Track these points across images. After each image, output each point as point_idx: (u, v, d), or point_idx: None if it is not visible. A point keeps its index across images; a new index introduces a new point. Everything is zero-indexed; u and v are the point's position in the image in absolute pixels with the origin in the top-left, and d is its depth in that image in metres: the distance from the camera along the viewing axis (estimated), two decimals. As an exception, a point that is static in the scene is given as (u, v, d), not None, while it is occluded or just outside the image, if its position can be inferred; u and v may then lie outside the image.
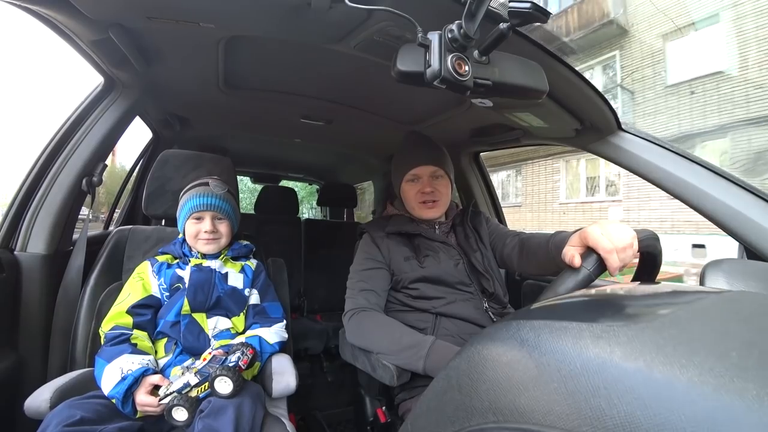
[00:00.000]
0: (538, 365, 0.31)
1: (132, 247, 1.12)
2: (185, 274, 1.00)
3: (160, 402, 0.79)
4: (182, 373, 0.83)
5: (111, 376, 0.81)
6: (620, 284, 0.59)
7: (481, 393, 0.34)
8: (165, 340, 0.95)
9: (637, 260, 0.71)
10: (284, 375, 0.93)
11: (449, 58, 0.51)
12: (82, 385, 0.85)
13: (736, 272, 0.75)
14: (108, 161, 1.15)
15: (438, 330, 0.98)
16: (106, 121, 1.10)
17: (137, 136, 1.70)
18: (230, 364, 0.82)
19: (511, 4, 0.52)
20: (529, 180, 10.58)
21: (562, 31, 9.16)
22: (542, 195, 10.29)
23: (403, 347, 0.89)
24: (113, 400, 0.80)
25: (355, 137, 1.90)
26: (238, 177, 1.48)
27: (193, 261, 1.02)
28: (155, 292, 0.98)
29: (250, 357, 0.87)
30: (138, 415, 0.81)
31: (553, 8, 9.15)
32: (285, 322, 1.07)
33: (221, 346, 0.92)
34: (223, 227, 1.04)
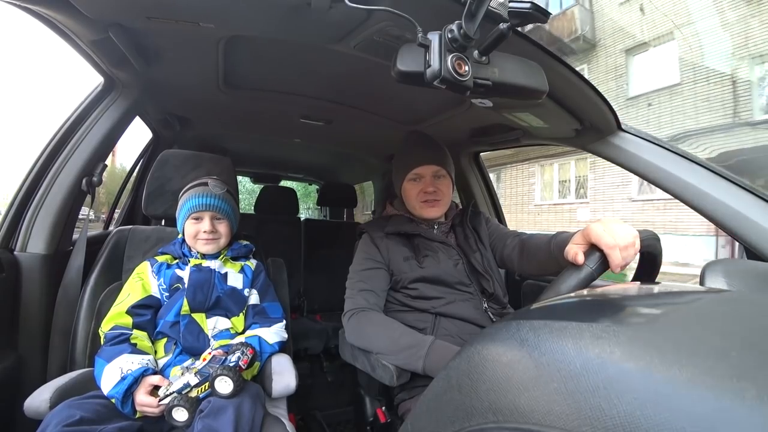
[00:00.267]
0: (538, 365, 0.31)
1: (132, 247, 1.12)
2: (185, 274, 1.00)
3: (160, 402, 0.79)
4: (182, 374, 0.83)
5: (111, 376, 0.81)
6: (620, 284, 0.59)
7: (481, 393, 0.34)
8: (164, 340, 0.95)
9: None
10: (284, 375, 0.93)
11: (449, 58, 0.51)
12: (81, 385, 0.85)
13: (736, 272, 0.75)
14: (108, 161, 1.15)
15: (437, 330, 0.98)
16: (105, 121, 1.10)
17: (137, 136, 1.71)
18: (230, 364, 0.82)
19: (511, 4, 0.52)
20: (507, 183, 11.12)
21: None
22: (519, 197, 10.86)
23: (403, 347, 0.89)
24: (113, 400, 0.80)
25: (355, 137, 1.90)
26: (237, 177, 1.48)
27: (193, 261, 1.02)
28: (155, 292, 0.98)
29: (250, 357, 0.87)
30: (137, 416, 0.81)
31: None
32: (285, 322, 1.07)
33: (221, 346, 0.92)
34: (223, 227, 1.04)
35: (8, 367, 0.93)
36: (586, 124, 0.99)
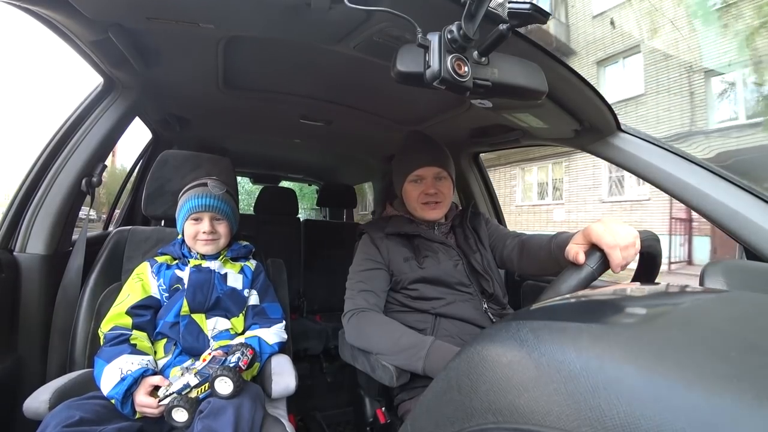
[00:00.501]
0: (537, 366, 0.31)
1: (131, 248, 1.12)
2: (184, 274, 1.00)
3: (160, 403, 0.79)
4: (182, 374, 0.83)
5: (110, 376, 0.81)
6: (620, 285, 0.60)
7: (481, 393, 0.34)
8: (164, 340, 0.95)
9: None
10: (284, 375, 0.93)
11: (449, 58, 0.51)
12: (81, 386, 0.85)
13: (736, 273, 0.76)
14: (108, 162, 1.15)
15: (437, 331, 0.98)
16: (105, 121, 1.10)
17: (137, 136, 1.71)
18: (230, 365, 0.82)
19: (511, 5, 0.52)
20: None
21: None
22: (501, 198, 11.14)
23: (403, 348, 0.89)
24: (112, 401, 0.80)
25: (355, 137, 1.90)
26: (237, 178, 1.48)
27: (193, 262, 1.02)
28: (154, 292, 0.98)
29: (249, 357, 0.87)
30: (137, 416, 0.81)
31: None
32: (284, 322, 1.07)
33: (220, 347, 0.92)
34: (222, 228, 1.04)
35: (7, 367, 0.93)
36: (586, 124, 0.99)
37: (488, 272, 1.06)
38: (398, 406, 0.99)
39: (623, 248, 0.63)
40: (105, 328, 0.91)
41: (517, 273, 1.52)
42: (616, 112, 0.92)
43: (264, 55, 1.04)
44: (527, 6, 0.52)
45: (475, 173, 1.78)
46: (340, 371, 1.97)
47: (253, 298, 1.06)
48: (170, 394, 0.79)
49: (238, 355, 0.85)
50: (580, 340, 0.31)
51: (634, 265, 0.73)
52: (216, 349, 0.90)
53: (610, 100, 0.88)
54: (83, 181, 1.06)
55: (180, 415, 0.77)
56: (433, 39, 0.52)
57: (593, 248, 0.66)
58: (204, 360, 0.85)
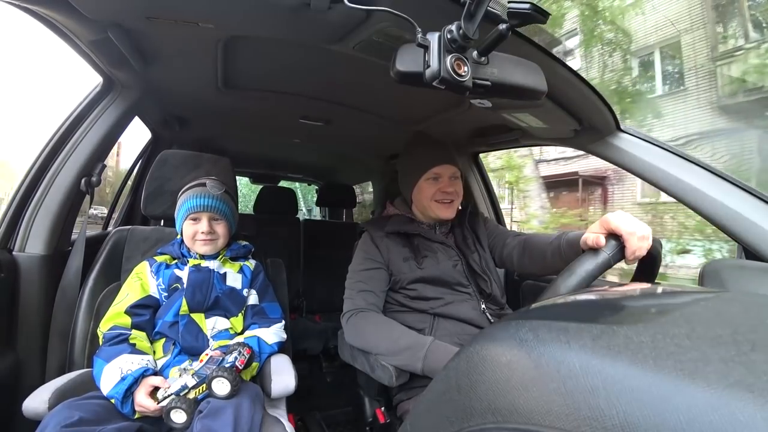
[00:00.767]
0: (537, 365, 0.31)
1: (131, 248, 1.11)
2: (183, 274, 1.00)
3: (159, 405, 0.79)
4: (180, 375, 0.83)
5: (110, 376, 0.81)
6: (620, 285, 0.60)
7: (480, 393, 0.34)
8: (163, 340, 0.95)
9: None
10: (283, 375, 0.93)
11: (448, 58, 0.51)
12: (80, 386, 0.85)
13: (735, 272, 0.76)
14: (113, 162, 1.15)
15: (436, 330, 0.98)
16: (104, 121, 1.10)
17: (138, 137, 1.71)
18: (227, 365, 0.82)
19: (510, 5, 0.52)
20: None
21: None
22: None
23: (402, 348, 0.89)
24: (112, 401, 0.79)
25: (355, 137, 1.90)
26: (236, 178, 1.48)
27: (192, 261, 1.02)
28: (153, 292, 0.98)
29: (247, 357, 0.87)
30: (136, 416, 0.81)
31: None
32: (284, 322, 1.07)
33: (219, 347, 0.91)
34: (221, 228, 1.04)
35: (7, 367, 0.92)
36: (585, 124, 0.99)
37: (486, 272, 1.07)
38: (397, 405, 0.99)
39: (640, 238, 0.66)
40: (104, 327, 0.90)
41: (517, 272, 1.52)
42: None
43: (263, 55, 1.04)
44: (527, 6, 0.52)
45: (475, 173, 1.78)
46: (340, 371, 1.96)
47: (252, 298, 1.06)
48: (168, 396, 0.79)
49: (235, 354, 0.85)
50: (580, 340, 0.31)
51: (634, 266, 0.74)
52: (214, 350, 0.90)
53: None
54: (82, 181, 1.06)
55: (178, 416, 0.77)
56: (433, 39, 0.52)
57: (610, 237, 0.68)
58: (201, 360, 0.85)
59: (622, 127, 1.00)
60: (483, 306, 1.03)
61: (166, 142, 1.76)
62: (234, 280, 1.04)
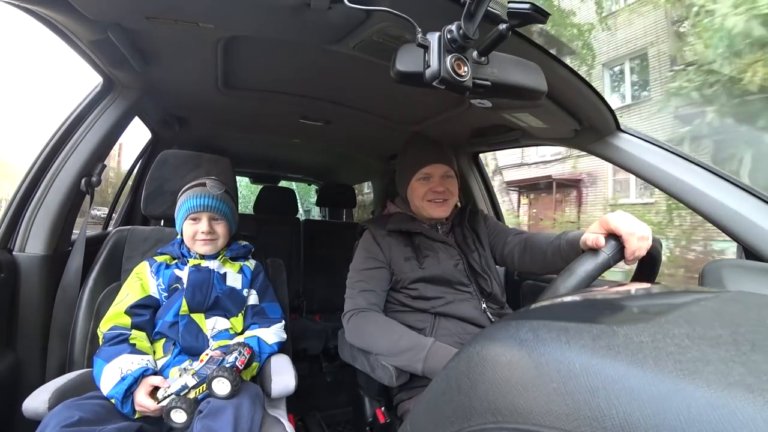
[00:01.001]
0: (537, 365, 0.31)
1: (131, 248, 1.11)
2: (183, 274, 1.00)
3: (159, 404, 0.79)
4: (180, 375, 0.83)
5: (110, 376, 0.81)
6: (620, 285, 0.60)
7: (480, 393, 0.34)
8: (163, 340, 0.95)
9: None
10: (283, 375, 0.93)
11: (448, 58, 0.51)
12: (80, 386, 0.85)
13: (735, 272, 0.76)
14: (114, 163, 1.15)
15: (437, 330, 0.98)
16: (104, 121, 1.10)
17: (138, 137, 1.71)
18: (227, 365, 0.82)
19: (510, 5, 0.52)
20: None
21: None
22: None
23: (402, 349, 0.89)
24: (112, 401, 0.79)
25: (354, 137, 1.90)
26: (236, 178, 1.48)
27: (192, 261, 1.02)
28: (153, 292, 0.98)
29: (247, 357, 0.87)
30: (137, 416, 0.81)
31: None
32: (284, 322, 1.07)
33: (219, 347, 0.91)
34: (220, 228, 1.03)
35: (7, 367, 0.92)
36: (585, 124, 1.00)
37: (487, 272, 1.07)
38: (398, 405, 0.99)
39: (639, 238, 0.66)
40: (104, 327, 0.90)
41: (517, 270, 1.52)
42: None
43: (264, 55, 1.04)
44: (527, 6, 0.52)
45: (475, 173, 1.78)
46: (340, 371, 1.96)
47: (253, 298, 1.06)
48: (168, 396, 0.79)
49: (235, 354, 0.85)
50: (580, 340, 0.31)
51: (633, 266, 0.74)
52: (214, 350, 0.90)
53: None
54: (82, 181, 1.06)
55: (178, 416, 0.77)
56: (433, 39, 0.52)
57: (609, 237, 0.67)
58: (202, 360, 0.85)
59: (622, 127, 1.00)
60: (484, 305, 1.03)
61: (166, 142, 1.76)
62: (234, 280, 1.04)
